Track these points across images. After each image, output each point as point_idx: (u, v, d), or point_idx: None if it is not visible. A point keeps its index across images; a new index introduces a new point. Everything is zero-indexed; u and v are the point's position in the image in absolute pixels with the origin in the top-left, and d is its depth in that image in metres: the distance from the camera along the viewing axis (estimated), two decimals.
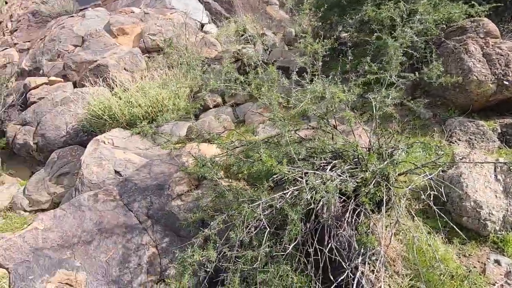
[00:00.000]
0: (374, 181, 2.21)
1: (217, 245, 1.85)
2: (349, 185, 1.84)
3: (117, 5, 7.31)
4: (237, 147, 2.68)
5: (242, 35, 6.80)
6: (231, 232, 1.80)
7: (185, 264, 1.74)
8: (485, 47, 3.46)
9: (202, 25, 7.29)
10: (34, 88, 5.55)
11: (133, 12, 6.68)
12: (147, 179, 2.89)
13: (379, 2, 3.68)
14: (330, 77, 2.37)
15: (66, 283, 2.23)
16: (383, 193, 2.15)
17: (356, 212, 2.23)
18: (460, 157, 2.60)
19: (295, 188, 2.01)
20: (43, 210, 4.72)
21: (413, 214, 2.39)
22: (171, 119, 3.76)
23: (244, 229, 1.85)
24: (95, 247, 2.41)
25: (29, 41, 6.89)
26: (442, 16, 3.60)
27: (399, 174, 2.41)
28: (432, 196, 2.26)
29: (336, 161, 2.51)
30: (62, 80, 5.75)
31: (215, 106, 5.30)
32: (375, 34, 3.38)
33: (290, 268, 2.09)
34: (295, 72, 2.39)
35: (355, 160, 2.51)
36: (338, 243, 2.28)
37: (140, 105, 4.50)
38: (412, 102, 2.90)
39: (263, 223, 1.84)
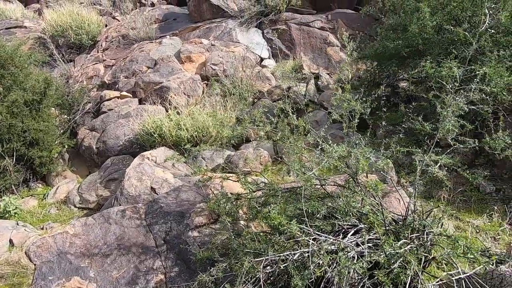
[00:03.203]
0: (400, 259, 1.94)
1: None
2: (358, 266, 1.65)
3: (190, 35, 8.17)
4: (260, 189, 2.64)
5: (298, 73, 6.94)
6: (227, 284, 1.74)
7: None
8: None
9: (262, 59, 7.66)
10: (107, 100, 6.39)
11: (202, 43, 7.37)
12: (172, 204, 3.02)
13: (440, 59, 3.44)
14: (362, 135, 2.24)
15: None
16: (407, 277, 1.87)
17: None
18: None
19: (304, 250, 1.88)
20: (89, 209, 5.23)
21: None
22: (209, 149, 3.94)
23: (242, 284, 1.77)
24: (111, 261, 2.55)
25: (114, 59, 8.05)
26: None
27: (434, 258, 2.08)
28: None
29: (363, 226, 2.30)
30: (131, 96, 6.53)
31: (257, 139, 5.39)
32: (432, 92, 3.14)
33: None
34: (328, 123, 2.32)
35: (383, 229, 2.26)
36: None
37: (187, 129, 4.83)
38: (468, 171, 2.55)
39: (261, 282, 1.74)
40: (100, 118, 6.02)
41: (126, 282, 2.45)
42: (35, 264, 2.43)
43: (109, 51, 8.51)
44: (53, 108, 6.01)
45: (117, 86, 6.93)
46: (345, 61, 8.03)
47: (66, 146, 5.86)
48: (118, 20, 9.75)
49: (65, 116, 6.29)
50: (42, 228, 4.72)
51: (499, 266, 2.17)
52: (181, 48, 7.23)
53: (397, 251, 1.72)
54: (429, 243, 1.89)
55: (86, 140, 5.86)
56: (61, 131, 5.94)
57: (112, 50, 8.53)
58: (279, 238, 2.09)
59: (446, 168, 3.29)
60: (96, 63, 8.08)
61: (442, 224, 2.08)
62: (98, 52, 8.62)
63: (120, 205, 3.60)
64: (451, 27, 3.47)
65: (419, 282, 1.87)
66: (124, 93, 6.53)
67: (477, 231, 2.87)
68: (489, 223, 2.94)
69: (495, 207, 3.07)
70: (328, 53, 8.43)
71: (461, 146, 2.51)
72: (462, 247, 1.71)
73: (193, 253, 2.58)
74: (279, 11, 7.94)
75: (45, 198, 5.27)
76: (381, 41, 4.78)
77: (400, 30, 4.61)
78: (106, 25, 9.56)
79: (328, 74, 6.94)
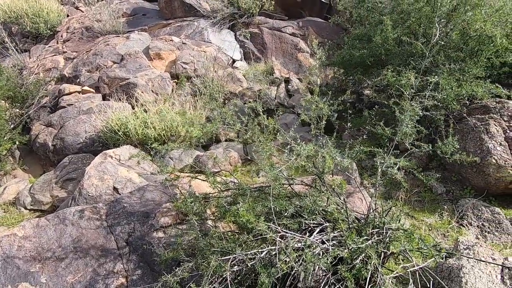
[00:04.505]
0: (362, 256, 2.04)
1: None
2: (322, 262, 1.70)
3: (160, 32, 7.93)
4: (229, 189, 2.63)
5: (269, 76, 7.04)
6: (193, 284, 1.70)
7: None
8: (508, 131, 3.29)
9: (234, 61, 7.66)
10: (67, 94, 5.97)
11: (172, 40, 7.19)
12: (136, 204, 2.89)
13: (400, 69, 3.69)
14: (329, 138, 2.33)
15: None
16: (368, 272, 1.97)
17: (337, 287, 2.05)
18: (465, 247, 2.36)
19: (272, 248, 1.90)
20: (42, 211, 4.82)
21: None
22: (177, 148, 3.83)
23: (209, 284, 1.74)
24: (66, 265, 2.37)
25: (76, 52, 7.56)
26: (465, 92, 3.52)
27: (392, 254, 2.21)
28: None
29: (328, 224, 2.38)
30: (93, 91, 6.16)
31: (227, 140, 5.36)
32: (392, 99, 3.35)
33: None
34: (296, 123, 2.38)
35: (346, 226, 2.36)
36: None
37: (154, 127, 4.66)
38: (422, 173, 2.76)
39: (228, 281, 1.72)
40: (58, 113, 5.60)
41: (83, 287, 2.28)
42: None
43: (71, 43, 7.98)
44: (3, 101, 5.49)
45: (78, 80, 6.50)
46: (314, 67, 8.30)
47: (17, 143, 5.36)
48: (81, 11, 9.19)
49: (17, 110, 5.77)
50: None
51: (447, 259, 2.37)
52: (150, 45, 6.98)
53: (358, 245, 1.80)
54: (387, 239, 2.00)
55: (41, 137, 5.41)
56: (12, 126, 5.44)
57: (74, 42, 8.01)
58: (247, 237, 2.09)
59: (404, 171, 3.53)
60: (55, 55, 7.53)
61: (399, 220, 2.22)
62: (57, 43, 8.04)
63: (78, 205, 3.37)
64: (410, 40, 3.75)
65: (378, 276, 1.98)
66: (86, 87, 6.14)
67: (430, 228, 3.11)
68: (440, 221, 3.20)
69: (445, 207, 3.35)
70: (299, 59, 8.67)
71: (417, 150, 2.71)
72: (416, 239, 1.84)
73: (157, 254, 2.49)
74: (252, 14, 8.01)
75: None
76: (347, 50, 5.01)
77: (365, 40, 4.88)
78: (68, 15, 8.96)
79: (298, 79, 7.12)
